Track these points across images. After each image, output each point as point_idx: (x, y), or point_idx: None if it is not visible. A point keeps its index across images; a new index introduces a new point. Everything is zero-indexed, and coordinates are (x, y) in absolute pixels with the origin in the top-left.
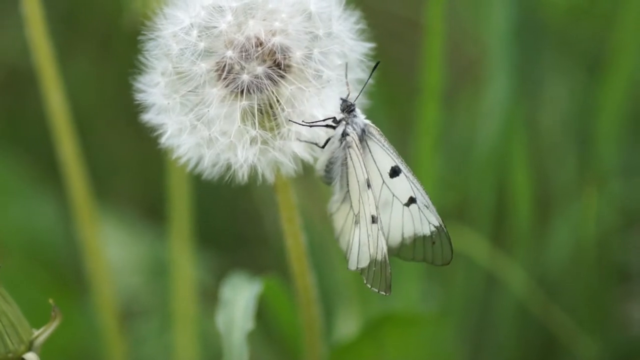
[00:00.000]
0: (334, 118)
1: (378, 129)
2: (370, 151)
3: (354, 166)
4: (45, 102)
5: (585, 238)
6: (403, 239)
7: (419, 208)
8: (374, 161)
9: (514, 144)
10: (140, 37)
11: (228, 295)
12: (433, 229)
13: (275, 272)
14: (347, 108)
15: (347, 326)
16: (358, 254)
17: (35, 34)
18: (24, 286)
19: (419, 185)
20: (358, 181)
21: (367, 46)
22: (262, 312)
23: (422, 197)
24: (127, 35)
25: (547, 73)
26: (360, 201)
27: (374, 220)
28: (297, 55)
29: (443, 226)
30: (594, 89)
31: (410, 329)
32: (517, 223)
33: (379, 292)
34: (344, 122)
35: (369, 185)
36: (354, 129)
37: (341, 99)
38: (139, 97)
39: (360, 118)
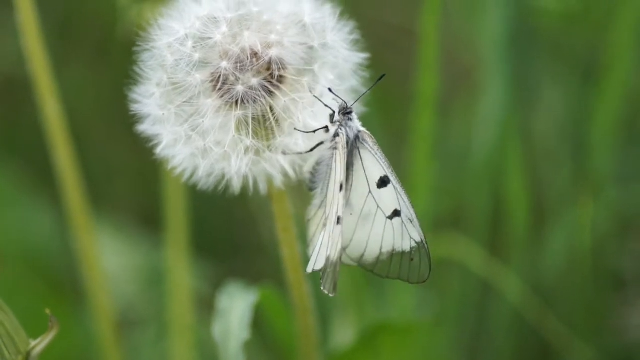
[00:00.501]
0: (332, 117)
1: (372, 137)
2: (361, 158)
3: (335, 168)
4: (41, 111)
5: (581, 245)
6: (381, 253)
7: (402, 222)
8: (364, 169)
9: (509, 151)
10: (135, 46)
11: (224, 304)
12: (414, 244)
13: (272, 280)
14: (344, 110)
15: (343, 335)
16: (318, 255)
17: (30, 43)
18: (20, 295)
19: (405, 198)
20: (335, 182)
21: (361, 56)
22: (259, 321)
23: (407, 211)
24: (122, 43)
25: (541, 80)
26: (332, 203)
27: (339, 221)
28: (292, 67)
29: (425, 242)
30: (589, 96)
31: (406, 337)
32: (512, 230)
33: (328, 293)
34: (337, 124)
35: (341, 188)
36: (346, 132)
37: (341, 99)
38: (134, 107)
39: (356, 123)
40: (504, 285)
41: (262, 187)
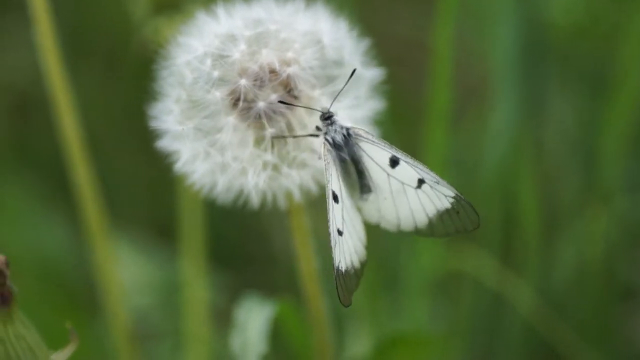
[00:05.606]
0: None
1: (364, 129)
2: (364, 151)
3: (327, 181)
4: (57, 126)
5: (591, 256)
6: (429, 219)
7: (430, 187)
8: (371, 158)
9: (521, 163)
10: (149, 61)
11: (242, 317)
12: (452, 200)
13: (286, 290)
14: (323, 116)
15: (359, 347)
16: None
17: (48, 58)
18: (37, 308)
19: (421, 166)
20: (328, 197)
21: (376, 73)
22: (275, 333)
23: (429, 176)
24: (136, 57)
25: (552, 93)
26: (329, 219)
27: (340, 233)
28: (308, 85)
29: (459, 194)
30: (599, 108)
31: (420, 350)
32: (524, 242)
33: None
34: (323, 134)
35: (336, 200)
36: (331, 138)
37: (316, 110)
38: (153, 124)
39: (341, 124)
40: (515, 296)
41: (281, 202)
